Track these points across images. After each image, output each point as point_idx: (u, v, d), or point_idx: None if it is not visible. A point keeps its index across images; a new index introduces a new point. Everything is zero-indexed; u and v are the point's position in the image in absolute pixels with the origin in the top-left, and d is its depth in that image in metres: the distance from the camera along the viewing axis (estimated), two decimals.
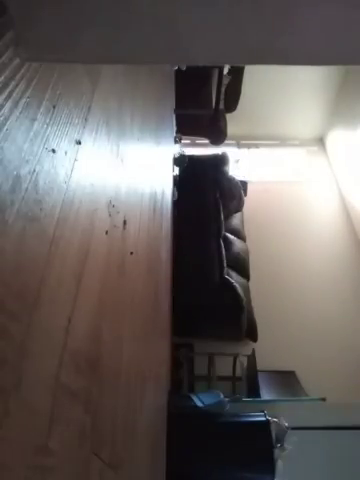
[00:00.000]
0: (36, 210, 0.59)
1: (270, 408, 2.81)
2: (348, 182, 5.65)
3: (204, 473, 2.62)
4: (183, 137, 4.94)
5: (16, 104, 0.56)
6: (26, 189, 0.56)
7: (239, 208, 5.05)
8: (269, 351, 3.92)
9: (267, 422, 2.59)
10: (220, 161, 5.01)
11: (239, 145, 6.60)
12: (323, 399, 3.27)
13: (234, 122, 5.14)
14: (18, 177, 0.55)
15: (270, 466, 2.43)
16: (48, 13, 0.48)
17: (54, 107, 0.69)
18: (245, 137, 6.53)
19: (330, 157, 6.34)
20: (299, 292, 4.68)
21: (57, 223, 0.66)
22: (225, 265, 4.08)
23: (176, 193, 4.35)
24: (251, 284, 4.41)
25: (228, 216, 4.74)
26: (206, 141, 5.07)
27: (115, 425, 0.99)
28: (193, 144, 6.17)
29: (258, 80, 5.24)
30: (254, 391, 3.42)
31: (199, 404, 2.76)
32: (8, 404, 0.47)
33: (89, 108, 0.90)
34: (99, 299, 0.89)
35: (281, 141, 6.67)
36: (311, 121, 6.39)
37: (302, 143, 6.65)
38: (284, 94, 5.86)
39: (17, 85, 0.57)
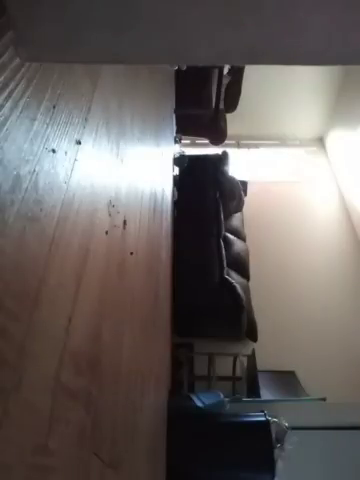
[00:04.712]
0: (36, 210, 0.59)
1: (270, 408, 2.81)
2: (348, 182, 5.65)
3: (204, 473, 2.62)
4: (183, 137, 4.94)
5: (16, 104, 0.56)
6: (26, 189, 0.56)
7: (239, 208, 5.05)
8: (269, 351, 3.92)
9: (267, 422, 2.59)
10: (220, 161, 5.01)
11: (239, 145, 6.60)
12: (323, 399, 3.27)
13: (234, 122, 5.14)
14: (18, 177, 0.55)
15: (270, 466, 2.43)
16: (48, 13, 0.48)
17: (54, 107, 0.69)
18: (245, 137, 6.53)
19: (330, 157, 6.34)
20: (299, 292, 4.68)
21: (57, 223, 0.66)
22: (225, 265, 4.08)
23: (176, 193, 4.35)
24: (251, 284, 4.40)
25: (228, 216, 4.74)
26: (206, 141, 5.07)
27: (115, 425, 0.98)
28: (193, 144, 6.17)
29: (258, 80, 5.24)
30: (254, 391, 3.42)
31: (199, 404, 2.76)
32: (8, 404, 0.47)
33: (89, 108, 0.90)
34: (99, 299, 0.89)
35: (281, 141, 6.67)
36: (311, 121, 6.39)
37: (302, 143, 6.65)
38: (284, 94, 5.87)
39: (17, 85, 0.57)
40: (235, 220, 4.93)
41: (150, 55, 0.53)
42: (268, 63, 0.52)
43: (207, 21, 0.48)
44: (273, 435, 2.51)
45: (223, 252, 4.17)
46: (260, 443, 2.55)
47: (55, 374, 0.61)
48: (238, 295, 3.78)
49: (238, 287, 3.86)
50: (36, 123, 0.62)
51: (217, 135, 4.73)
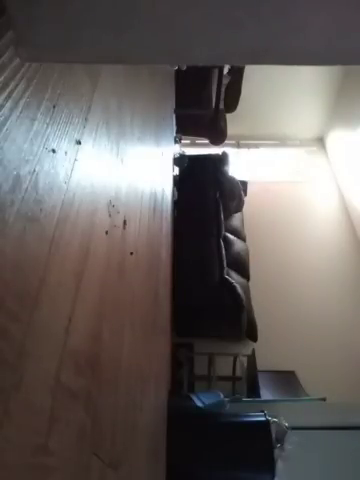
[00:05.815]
0: (36, 210, 0.59)
1: (270, 408, 2.81)
2: (348, 182, 5.65)
3: (204, 473, 2.62)
4: (183, 137, 4.94)
5: (16, 104, 0.56)
6: (26, 189, 0.56)
7: (239, 208, 5.05)
8: (269, 351, 3.92)
9: (267, 422, 2.59)
10: (220, 161, 5.01)
11: (239, 145, 6.60)
12: (323, 399, 3.27)
13: (234, 122, 5.14)
14: (18, 177, 0.55)
15: (270, 466, 2.43)
16: (48, 13, 0.48)
17: (54, 107, 0.69)
18: (245, 137, 6.53)
19: (330, 157, 6.34)
20: (299, 292, 4.68)
21: (57, 223, 0.66)
22: (225, 265, 4.08)
23: (176, 193, 4.35)
24: (251, 284, 4.40)
25: (228, 216, 4.74)
26: (206, 141, 5.08)
27: (115, 425, 0.99)
28: (193, 144, 6.17)
29: (258, 80, 5.24)
30: (254, 391, 3.42)
31: (199, 404, 2.76)
32: (8, 404, 0.47)
33: (89, 108, 0.91)
34: (99, 299, 0.89)
35: (281, 141, 6.67)
36: (311, 121, 6.39)
37: (302, 143, 6.65)
38: (284, 94, 5.87)
39: (17, 85, 0.57)
40: (235, 220, 4.93)
41: (150, 55, 0.53)
42: (268, 63, 0.52)
43: (207, 21, 0.48)
44: (273, 435, 2.51)
45: (223, 252, 4.17)
46: (260, 443, 2.55)
47: (55, 374, 0.61)
48: (238, 295, 3.78)
49: (238, 287, 3.86)
50: (36, 123, 0.62)
51: (217, 135, 4.73)
